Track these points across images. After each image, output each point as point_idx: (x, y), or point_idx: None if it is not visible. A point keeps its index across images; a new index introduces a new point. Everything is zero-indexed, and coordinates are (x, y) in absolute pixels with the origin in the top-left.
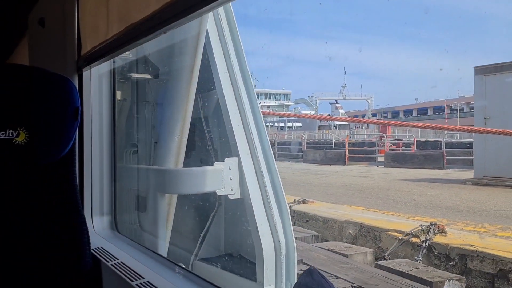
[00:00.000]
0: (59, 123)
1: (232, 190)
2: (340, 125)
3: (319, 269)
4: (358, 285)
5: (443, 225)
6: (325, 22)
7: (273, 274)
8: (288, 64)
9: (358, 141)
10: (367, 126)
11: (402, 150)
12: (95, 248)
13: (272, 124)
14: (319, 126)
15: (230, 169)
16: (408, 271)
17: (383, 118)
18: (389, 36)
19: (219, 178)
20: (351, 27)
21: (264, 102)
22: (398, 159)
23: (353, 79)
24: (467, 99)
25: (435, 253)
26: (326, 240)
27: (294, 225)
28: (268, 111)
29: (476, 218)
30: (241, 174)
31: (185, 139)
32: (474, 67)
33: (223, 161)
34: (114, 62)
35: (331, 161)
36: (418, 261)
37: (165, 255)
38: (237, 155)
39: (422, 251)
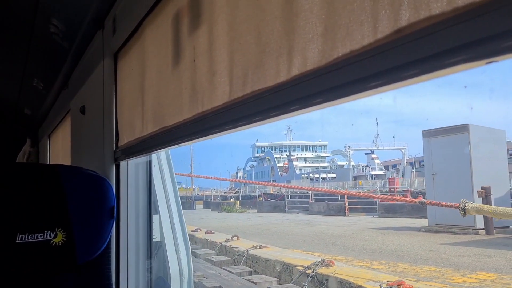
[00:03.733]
0: (96, 223)
1: (154, 235)
2: (376, 175)
3: None
4: None
5: (331, 261)
6: None
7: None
8: (328, 114)
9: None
10: (402, 175)
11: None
12: None
13: (307, 175)
14: (354, 177)
15: (153, 222)
16: None
17: (415, 166)
18: (429, 82)
19: None
20: None
21: (301, 154)
22: (390, 210)
23: (393, 127)
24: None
25: (315, 280)
26: (265, 275)
27: (250, 266)
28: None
29: (377, 256)
30: (161, 225)
31: None
32: (422, 130)
33: None
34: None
35: (333, 212)
36: (304, 286)
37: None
38: (159, 214)
39: (308, 278)
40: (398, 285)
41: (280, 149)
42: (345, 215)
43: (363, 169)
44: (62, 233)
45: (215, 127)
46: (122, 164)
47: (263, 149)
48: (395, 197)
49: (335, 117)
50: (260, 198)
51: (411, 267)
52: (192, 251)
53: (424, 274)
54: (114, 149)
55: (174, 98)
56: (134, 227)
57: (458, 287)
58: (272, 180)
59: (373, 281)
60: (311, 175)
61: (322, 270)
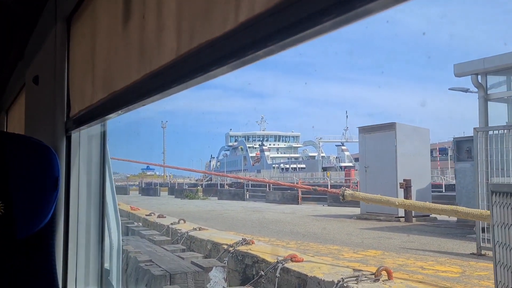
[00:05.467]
0: (38, 194)
1: None
2: (345, 167)
3: (156, 264)
4: (164, 269)
5: (251, 240)
6: (344, 65)
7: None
8: (305, 106)
9: (314, 183)
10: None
11: None
12: None
13: (278, 165)
14: (324, 168)
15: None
16: (199, 263)
17: None
18: (407, 78)
19: None
20: (370, 69)
21: (274, 144)
22: (338, 199)
23: (370, 120)
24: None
25: (234, 255)
26: (199, 252)
27: (189, 246)
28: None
29: (298, 238)
30: None
31: None
32: (358, 127)
33: None
34: (103, 125)
35: (287, 201)
36: (224, 261)
37: None
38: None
39: (229, 254)
40: (291, 258)
41: (253, 138)
42: (298, 203)
43: (335, 160)
44: (1, 204)
45: (163, 86)
46: (74, 135)
47: (236, 138)
48: (297, 185)
49: (312, 109)
50: (227, 186)
51: (318, 246)
52: (139, 231)
53: (324, 251)
54: (65, 120)
55: (123, 60)
56: (85, 202)
57: (343, 260)
58: (244, 170)
59: (276, 255)
60: (281, 165)
61: (241, 248)
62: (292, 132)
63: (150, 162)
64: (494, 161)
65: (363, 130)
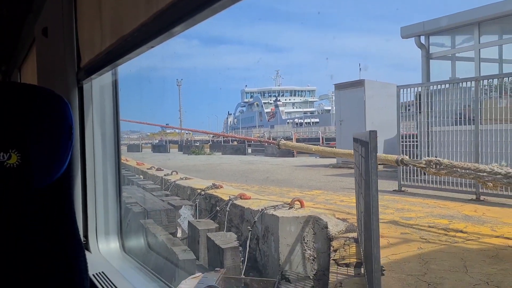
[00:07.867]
0: (53, 143)
1: None
2: None
3: (139, 204)
4: (143, 207)
5: (221, 185)
6: (363, 15)
7: None
8: (322, 59)
9: (310, 137)
10: None
11: None
12: (97, 273)
13: (292, 120)
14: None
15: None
16: (173, 203)
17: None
18: None
19: None
20: (388, 18)
21: (289, 99)
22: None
23: (391, 71)
24: None
25: (204, 197)
26: (181, 197)
27: (176, 192)
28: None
29: (265, 183)
30: None
31: None
32: (334, 84)
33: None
34: (114, 73)
35: (284, 154)
36: (196, 202)
37: None
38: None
39: (199, 196)
40: (240, 196)
41: (269, 94)
42: (293, 156)
43: None
44: (17, 154)
45: (169, 25)
46: (86, 86)
47: (252, 94)
48: (246, 137)
49: (331, 61)
50: (235, 142)
51: (274, 188)
52: (137, 182)
53: (277, 192)
54: (76, 70)
55: (130, 3)
56: (101, 152)
57: (286, 198)
58: (259, 125)
59: (232, 195)
60: (296, 120)
61: (210, 191)
62: (308, 86)
63: (167, 120)
64: (434, 112)
65: (339, 86)
